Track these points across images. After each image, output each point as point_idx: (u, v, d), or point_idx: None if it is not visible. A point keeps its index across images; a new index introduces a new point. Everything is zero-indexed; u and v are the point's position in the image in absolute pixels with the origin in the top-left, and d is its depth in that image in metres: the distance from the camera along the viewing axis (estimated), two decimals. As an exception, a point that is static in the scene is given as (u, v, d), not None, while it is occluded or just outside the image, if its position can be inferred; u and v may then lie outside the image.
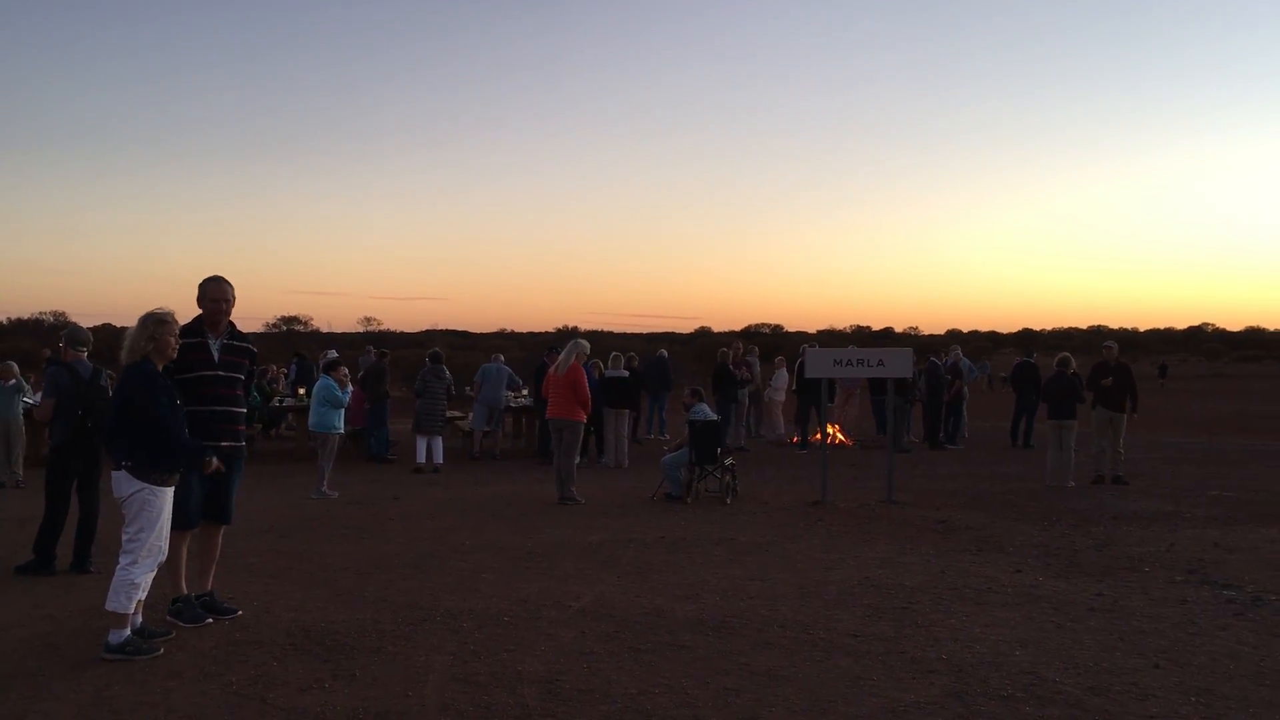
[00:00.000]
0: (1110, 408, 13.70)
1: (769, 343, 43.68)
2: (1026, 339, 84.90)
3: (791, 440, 19.27)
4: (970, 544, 9.18)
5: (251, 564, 8.08)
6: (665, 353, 21.17)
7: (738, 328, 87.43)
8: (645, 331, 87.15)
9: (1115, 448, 13.68)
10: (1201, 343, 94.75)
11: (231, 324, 6.41)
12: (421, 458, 15.35)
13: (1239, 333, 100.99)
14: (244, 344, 6.45)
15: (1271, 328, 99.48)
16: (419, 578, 7.61)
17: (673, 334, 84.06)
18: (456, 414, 19.75)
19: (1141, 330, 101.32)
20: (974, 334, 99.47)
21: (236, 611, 6.40)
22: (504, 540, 9.21)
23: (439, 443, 15.50)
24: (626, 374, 16.30)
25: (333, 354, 15.44)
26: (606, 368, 16.19)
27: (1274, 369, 71.11)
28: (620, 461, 15.74)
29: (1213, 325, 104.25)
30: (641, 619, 6.38)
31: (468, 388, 18.26)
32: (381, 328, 65.84)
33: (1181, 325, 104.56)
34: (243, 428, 6.51)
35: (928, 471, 15.02)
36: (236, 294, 6.35)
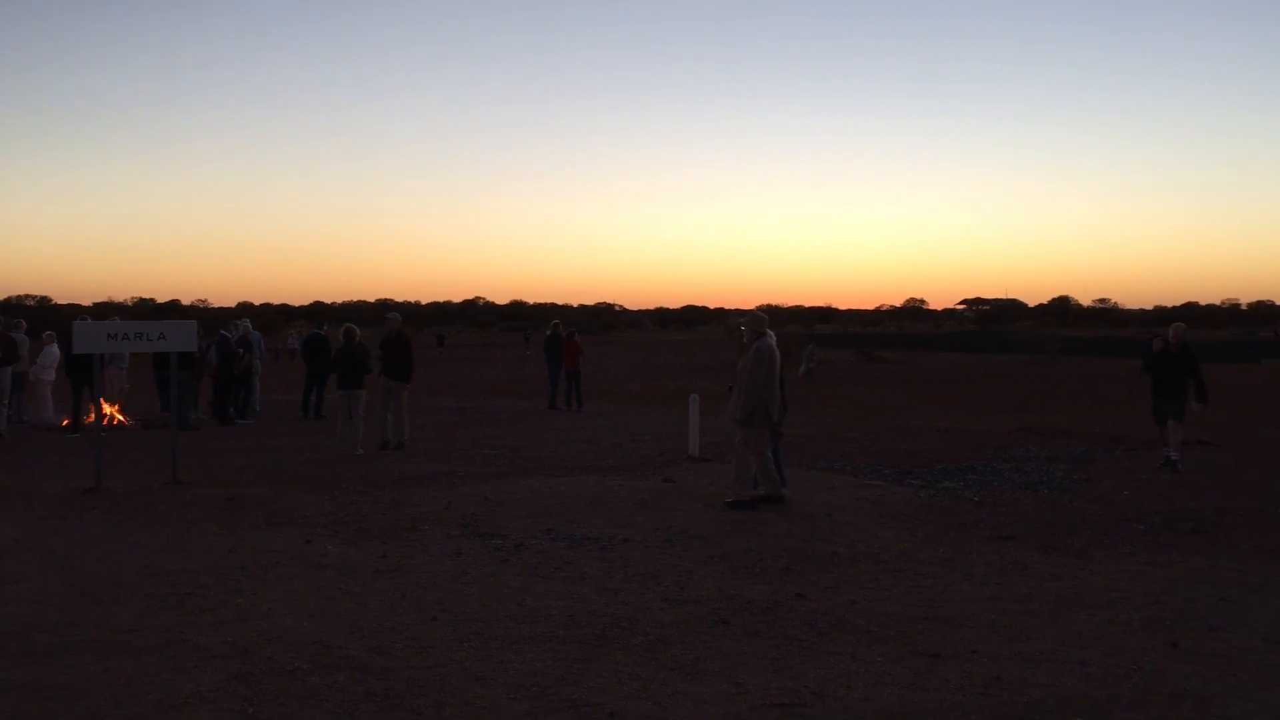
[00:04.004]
0: (392, 377, 14.39)
1: (36, 316, 38.77)
2: (318, 312, 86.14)
3: (63, 424, 17.36)
4: (260, 519, 9.03)
5: None
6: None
7: (-2, 299, 76.57)
8: None
9: (399, 415, 14.41)
10: (475, 315, 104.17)
11: None
12: None
13: (506, 305, 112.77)
14: None
15: (532, 301, 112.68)
16: None
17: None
18: None
19: (424, 303, 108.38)
20: (266, 307, 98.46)
21: None
22: None
23: None
24: None
25: None
26: None
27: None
28: None
29: (484, 299, 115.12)
30: None
31: None
32: None
33: (459, 299, 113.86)
34: None
35: (217, 448, 14.48)
36: None
